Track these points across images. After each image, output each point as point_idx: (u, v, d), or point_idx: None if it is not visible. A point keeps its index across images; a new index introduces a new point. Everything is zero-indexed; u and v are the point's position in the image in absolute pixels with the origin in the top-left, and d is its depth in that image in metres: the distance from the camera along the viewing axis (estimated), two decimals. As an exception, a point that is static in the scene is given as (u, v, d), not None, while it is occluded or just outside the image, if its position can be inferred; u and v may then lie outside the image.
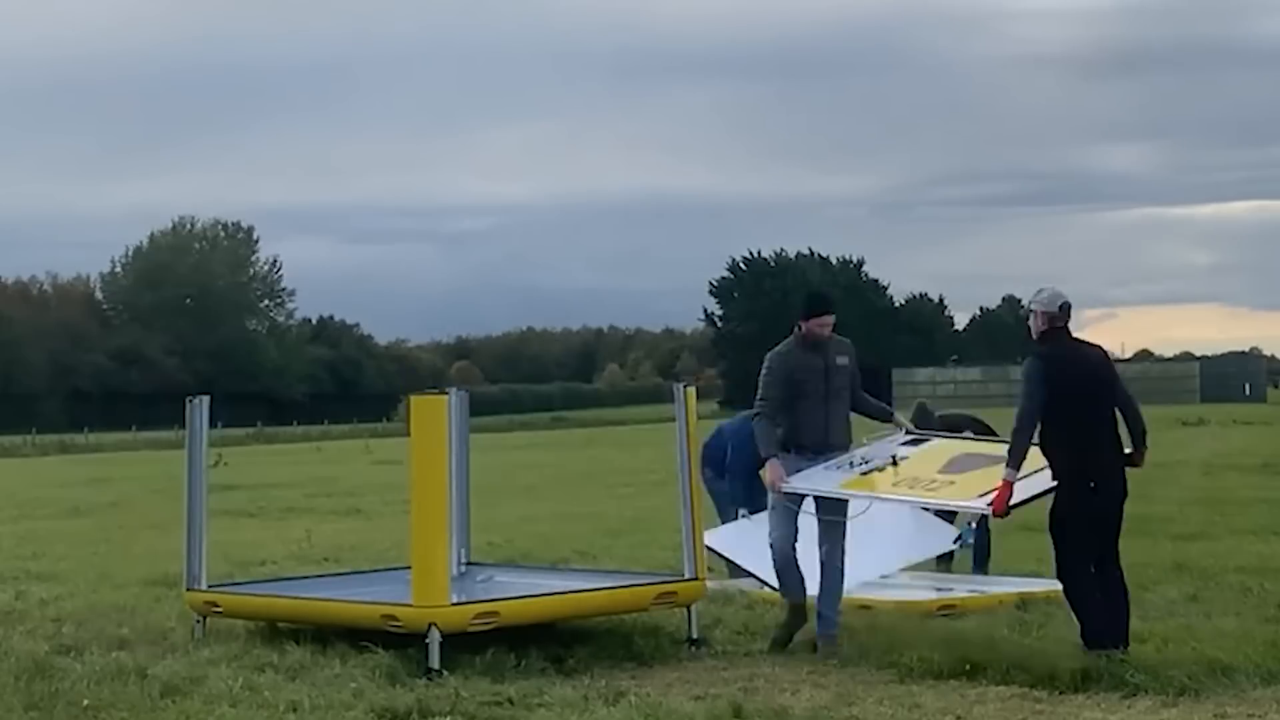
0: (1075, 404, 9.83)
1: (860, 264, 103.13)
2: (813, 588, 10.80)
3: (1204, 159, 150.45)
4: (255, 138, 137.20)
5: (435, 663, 9.85)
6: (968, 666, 9.77)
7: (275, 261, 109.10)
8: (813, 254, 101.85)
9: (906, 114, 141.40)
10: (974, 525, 13.60)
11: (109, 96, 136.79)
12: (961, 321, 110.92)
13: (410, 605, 10.14)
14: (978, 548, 13.93)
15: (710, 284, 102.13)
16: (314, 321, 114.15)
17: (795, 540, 10.73)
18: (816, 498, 10.70)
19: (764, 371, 10.87)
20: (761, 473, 11.78)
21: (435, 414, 10.15)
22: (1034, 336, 10.10)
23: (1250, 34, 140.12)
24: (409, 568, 10.47)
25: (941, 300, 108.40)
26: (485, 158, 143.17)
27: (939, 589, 13.04)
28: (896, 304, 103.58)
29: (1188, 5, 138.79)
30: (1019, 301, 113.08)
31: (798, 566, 10.75)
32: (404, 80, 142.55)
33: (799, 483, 10.65)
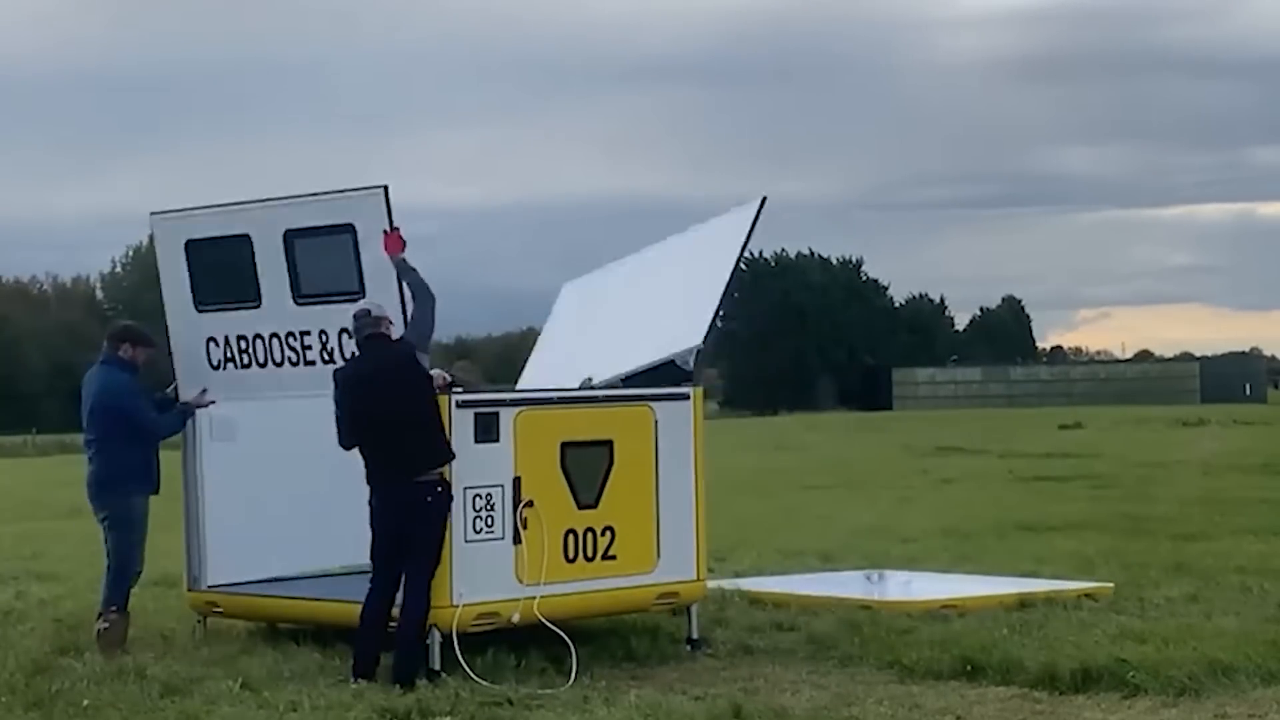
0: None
1: (860, 264, 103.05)
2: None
3: (1166, 163, 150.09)
4: (242, 139, 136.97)
5: (435, 663, 9.86)
6: (968, 666, 9.78)
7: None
8: (813, 254, 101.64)
9: (864, 119, 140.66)
10: None
11: (109, 95, 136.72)
12: (962, 321, 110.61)
13: (410, 605, 10.12)
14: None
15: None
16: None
17: None
18: None
19: None
20: None
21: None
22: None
23: (1172, 40, 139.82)
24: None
25: (942, 300, 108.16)
26: (431, 162, 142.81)
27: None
28: (896, 304, 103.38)
29: (1115, 12, 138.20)
30: (1019, 302, 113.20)
31: None
32: (363, 82, 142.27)
33: None
